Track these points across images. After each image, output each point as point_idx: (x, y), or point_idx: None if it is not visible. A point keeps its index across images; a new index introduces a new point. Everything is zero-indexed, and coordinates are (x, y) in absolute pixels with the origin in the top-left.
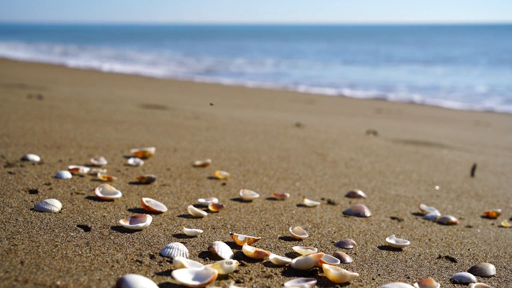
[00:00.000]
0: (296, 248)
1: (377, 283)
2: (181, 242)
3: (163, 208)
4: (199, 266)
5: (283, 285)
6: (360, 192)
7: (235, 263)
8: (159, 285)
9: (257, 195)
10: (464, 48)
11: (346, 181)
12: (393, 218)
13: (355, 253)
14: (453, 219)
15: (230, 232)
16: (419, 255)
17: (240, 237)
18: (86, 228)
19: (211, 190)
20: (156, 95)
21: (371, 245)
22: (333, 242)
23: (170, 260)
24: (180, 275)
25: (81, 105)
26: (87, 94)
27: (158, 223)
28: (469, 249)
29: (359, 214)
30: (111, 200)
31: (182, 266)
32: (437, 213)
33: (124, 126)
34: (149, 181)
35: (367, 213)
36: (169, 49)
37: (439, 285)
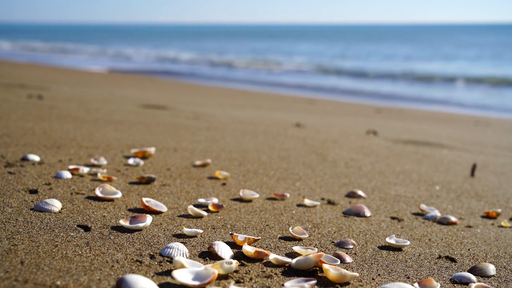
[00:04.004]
0: (296, 248)
1: (377, 283)
2: (181, 242)
3: (163, 208)
4: (199, 266)
5: (283, 285)
6: (360, 192)
7: (235, 263)
8: (159, 285)
9: (257, 195)
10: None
11: (346, 181)
12: (393, 218)
13: (355, 253)
14: (453, 219)
15: (230, 232)
16: (419, 255)
17: (240, 237)
18: (86, 228)
19: (211, 190)
20: (156, 95)
21: (371, 245)
22: (333, 242)
23: (170, 260)
24: (180, 275)
25: (81, 105)
26: (87, 94)
27: (158, 223)
28: (469, 249)
29: (359, 214)
30: (111, 200)
31: (182, 266)
32: (437, 213)
33: (124, 126)
34: (149, 181)
35: (367, 213)
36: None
37: (439, 285)
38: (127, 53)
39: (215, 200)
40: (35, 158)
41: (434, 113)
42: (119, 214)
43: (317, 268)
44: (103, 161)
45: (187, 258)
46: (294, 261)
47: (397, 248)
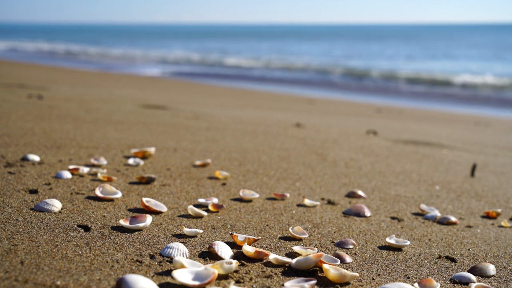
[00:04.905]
0: (296, 248)
1: (377, 283)
2: (181, 242)
3: (163, 208)
4: (199, 266)
5: (283, 285)
6: (360, 192)
7: (235, 263)
8: (159, 285)
9: (257, 195)
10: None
11: (346, 181)
12: (393, 218)
13: (355, 253)
14: (453, 219)
15: (230, 232)
16: (419, 255)
17: (240, 237)
18: (86, 228)
19: (211, 190)
20: (156, 95)
21: (371, 245)
22: (333, 242)
23: (170, 260)
24: (180, 275)
25: (81, 105)
26: (87, 94)
27: (158, 223)
28: (469, 249)
29: (359, 214)
30: (111, 200)
31: (182, 266)
32: (437, 213)
33: (124, 126)
34: (149, 181)
35: (367, 213)
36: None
37: (439, 285)
38: (165, 56)
39: (215, 200)
40: (35, 158)
41: (434, 113)
42: (119, 214)
43: (317, 268)
44: (103, 161)
45: (187, 258)
46: (294, 261)
47: (397, 248)
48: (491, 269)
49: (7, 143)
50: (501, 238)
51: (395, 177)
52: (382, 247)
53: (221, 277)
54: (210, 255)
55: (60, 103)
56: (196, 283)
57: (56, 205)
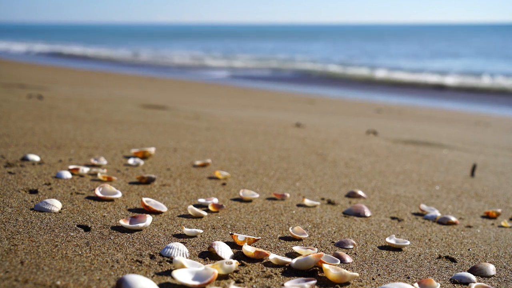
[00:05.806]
0: (296, 248)
1: (377, 283)
2: (181, 242)
3: (163, 208)
4: (199, 266)
5: (283, 285)
6: (360, 192)
7: (235, 263)
8: (159, 285)
9: (257, 195)
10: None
11: (346, 181)
12: (393, 218)
13: (355, 253)
14: (453, 219)
15: (230, 232)
16: (419, 255)
17: (240, 237)
18: (86, 228)
19: (211, 190)
20: (156, 95)
21: (371, 245)
22: (333, 242)
23: (170, 260)
24: (180, 275)
25: (81, 105)
26: (87, 94)
27: (158, 223)
28: (469, 249)
29: (359, 214)
30: (111, 200)
31: (182, 266)
32: (437, 213)
33: (124, 126)
34: (149, 181)
35: (367, 213)
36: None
37: (439, 285)
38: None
39: (215, 200)
40: (35, 158)
41: (434, 113)
42: (119, 214)
43: (317, 268)
44: (103, 161)
45: (187, 258)
46: (294, 261)
47: (397, 248)
48: (491, 269)
49: (7, 143)
50: (501, 238)
51: (395, 177)
52: (382, 247)
53: (221, 277)
54: (210, 255)
55: (60, 103)
56: (196, 283)
57: (56, 205)
